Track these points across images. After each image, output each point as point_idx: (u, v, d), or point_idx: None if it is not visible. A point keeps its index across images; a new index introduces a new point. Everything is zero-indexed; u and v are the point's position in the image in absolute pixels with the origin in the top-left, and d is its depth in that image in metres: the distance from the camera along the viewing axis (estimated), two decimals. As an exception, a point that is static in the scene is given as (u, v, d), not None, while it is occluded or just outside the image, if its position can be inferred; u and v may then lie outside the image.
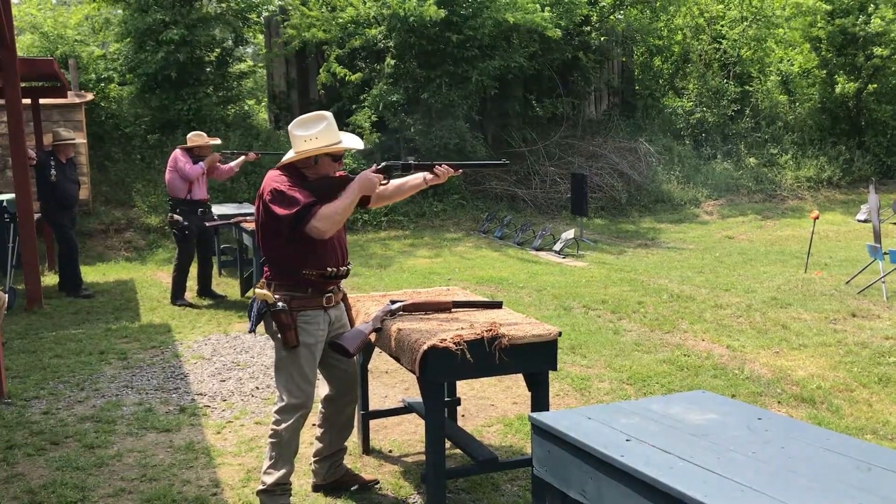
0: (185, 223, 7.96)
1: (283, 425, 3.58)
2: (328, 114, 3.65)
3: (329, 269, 3.59)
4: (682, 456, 2.21)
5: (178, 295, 8.16)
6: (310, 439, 4.11)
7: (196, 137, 8.12)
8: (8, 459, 4.30)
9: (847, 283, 8.58)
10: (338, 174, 3.68)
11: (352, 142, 3.72)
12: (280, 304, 3.51)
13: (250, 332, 3.68)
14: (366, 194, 3.63)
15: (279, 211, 3.44)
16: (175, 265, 8.20)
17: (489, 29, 13.36)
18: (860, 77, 17.64)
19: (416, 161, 3.85)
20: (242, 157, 8.54)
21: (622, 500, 2.21)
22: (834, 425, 4.69)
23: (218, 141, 8.61)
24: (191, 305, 8.09)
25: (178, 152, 7.99)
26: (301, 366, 3.58)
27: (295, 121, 3.66)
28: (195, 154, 8.03)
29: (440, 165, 3.77)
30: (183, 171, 7.85)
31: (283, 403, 3.60)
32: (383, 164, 3.72)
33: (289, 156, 3.64)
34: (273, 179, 3.55)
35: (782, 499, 1.94)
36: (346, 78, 13.37)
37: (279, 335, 3.55)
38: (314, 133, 3.56)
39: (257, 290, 3.57)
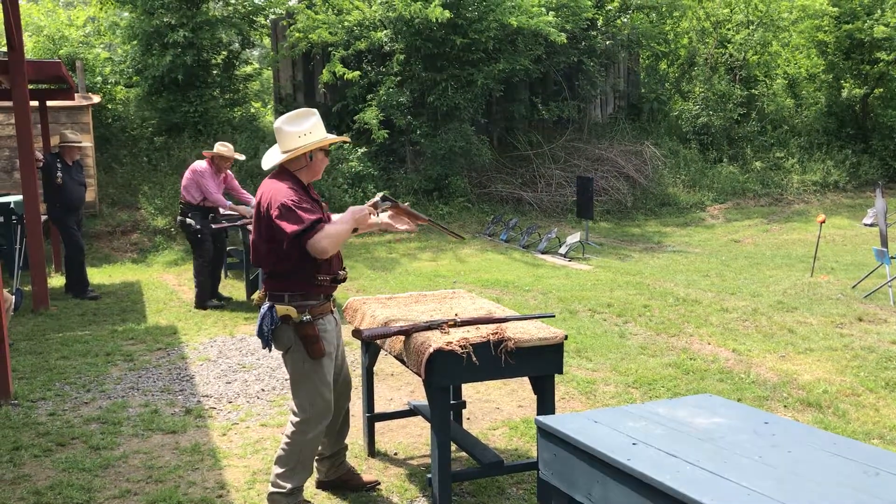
0: (198, 226, 7.96)
1: (310, 435, 3.58)
2: (314, 110, 3.61)
3: (340, 272, 3.64)
4: (688, 459, 2.21)
5: (204, 298, 8.07)
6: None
7: (222, 148, 8.02)
8: (14, 460, 4.31)
9: (853, 287, 8.55)
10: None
11: (337, 136, 3.69)
12: (306, 317, 3.48)
13: (266, 348, 3.59)
14: (357, 227, 3.49)
15: (287, 227, 3.35)
16: (196, 269, 8.09)
17: (494, 32, 13.36)
18: (867, 81, 17.61)
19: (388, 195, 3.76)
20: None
21: (629, 503, 2.21)
22: (840, 430, 4.68)
23: (242, 157, 8.57)
24: (219, 306, 8.04)
25: (207, 169, 7.90)
26: (324, 375, 3.58)
27: (282, 118, 3.57)
28: (215, 163, 8.00)
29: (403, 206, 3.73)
30: (208, 191, 7.82)
31: (307, 415, 3.56)
32: (377, 198, 3.64)
33: (280, 157, 3.53)
34: (280, 193, 3.42)
35: (789, 503, 1.94)
36: (346, 76, 13.37)
37: (303, 348, 3.51)
38: (307, 128, 3.52)
39: (278, 307, 3.49)
